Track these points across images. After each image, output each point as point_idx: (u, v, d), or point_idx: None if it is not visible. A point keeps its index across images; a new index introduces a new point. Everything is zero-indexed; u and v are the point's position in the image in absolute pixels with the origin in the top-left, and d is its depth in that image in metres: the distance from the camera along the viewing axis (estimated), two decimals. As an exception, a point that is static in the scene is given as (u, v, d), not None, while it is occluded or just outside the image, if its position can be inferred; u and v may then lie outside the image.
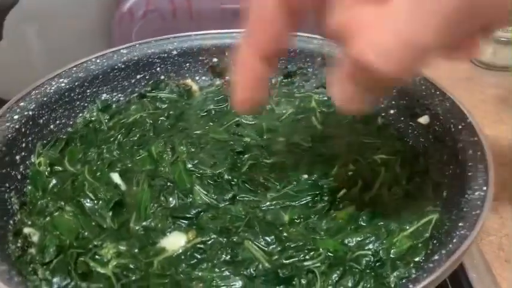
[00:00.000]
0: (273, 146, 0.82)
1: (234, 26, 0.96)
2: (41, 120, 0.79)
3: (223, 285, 0.58)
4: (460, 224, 0.57)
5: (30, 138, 0.77)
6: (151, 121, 0.87)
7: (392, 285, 0.58)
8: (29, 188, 0.72)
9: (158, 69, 0.96)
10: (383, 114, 0.89)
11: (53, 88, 0.82)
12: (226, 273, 0.60)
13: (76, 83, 0.86)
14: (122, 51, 0.92)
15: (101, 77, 0.89)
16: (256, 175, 0.75)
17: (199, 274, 0.60)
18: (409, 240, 0.64)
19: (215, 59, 0.99)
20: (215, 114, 0.91)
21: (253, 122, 0.88)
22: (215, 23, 1.09)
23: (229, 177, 0.74)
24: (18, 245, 0.61)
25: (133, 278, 0.60)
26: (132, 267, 0.61)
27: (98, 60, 0.90)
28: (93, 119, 0.87)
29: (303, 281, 0.58)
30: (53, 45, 1.13)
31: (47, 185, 0.73)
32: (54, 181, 0.74)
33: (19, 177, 0.72)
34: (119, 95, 0.93)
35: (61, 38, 1.17)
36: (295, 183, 0.74)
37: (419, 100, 0.82)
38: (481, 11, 0.38)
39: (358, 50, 0.39)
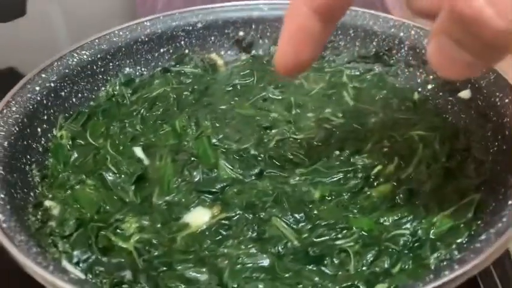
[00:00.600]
0: (302, 122, 0.78)
1: (262, -2, 0.92)
2: (63, 93, 0.78)
3: (250, 263, 0.55)
4: (510, 202, 0.52)
5: (51, 111, 0.75)
6: (175, 96, 0.84)
7: (432, 267, 0.53)
8: (51, 161, 0.70)
9: (182, 42, 0.93)
10: (419, 89, 0.84)
11: (75, 60, 0.80)
12: (253, 250, 0.56)
13: (98, 56, 0.83)
14: (145, 23, 0.89)
15: (123, 49, 0.87)
16: (283, 151, 0.72)
17: (225, 251, 0.57)
18: (450, 220, 0.59)
19: (241, 33, 0.95)
20: (241, 89, 0.87)
21: (280, 97, 0.84)
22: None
23: (256, 153, 0.71)
24: (38, 217, 0.59)
25: (156, 253, 0.57)
26: (154, 242, 0.58)
27: (121, 33, 0.87)
28: (115, 93, 0.85)
29: (335, 261, 0.55)
30: (75, 21, 1.11)
31: (68, 158, 0.71)
32: (75, 154, 0.72)
33: (40, 149, 0.70)
34: (142, 69, 0.90)
35: (84, 15, 1.15)
36: (325, 159, 0.69)
37: (460, 73, 0.76)
38: None
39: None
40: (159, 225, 0.61)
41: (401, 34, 0.86)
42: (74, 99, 0.79)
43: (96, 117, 0.80)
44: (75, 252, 0.56)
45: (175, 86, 0.87)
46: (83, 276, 0.53)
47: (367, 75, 0.89)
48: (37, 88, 0.73)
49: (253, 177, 0.67)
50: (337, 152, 0.70)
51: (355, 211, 0.61)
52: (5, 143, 0.63)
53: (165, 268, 0.55)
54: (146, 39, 0.89)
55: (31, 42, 1.05)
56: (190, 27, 0.92)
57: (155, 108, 0.82)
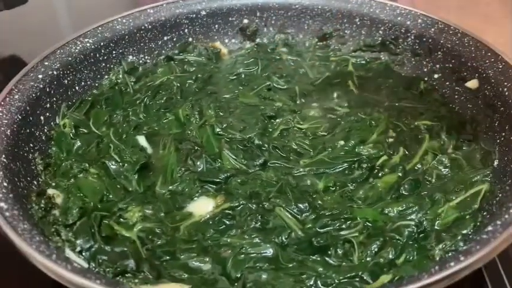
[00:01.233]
0: (306, 111, 0.77)
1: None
2: (66, 81, 0.77)
3: (253, 253, 0.55)
4: (517, 194, 0.51)
5: (54, 99, 0.74)
6: (178, 84, 0.83)
7: (437, 258, 0.53)
8: (54, 149, 0.70)
9: (186, 30, 0.92)
10: (426, 78, 0.83)
11: (78, 48, 0.79)
12: (257, 240, 0.56)
13: (101, 43, 0.82)
14: (148, 10, 0.88)
15: (127, 37, 0.86)
16: (288, 141, 0.71)
17: (228, 240, 0.57)
18: (456, 211, 0.58)
19: (246, 20, 0.93)
20: (245, 78, 0.87)
21: (285, 87, 0.84)
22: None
23: (260, 143, 0.70)
24: (42, 205, 0.59)
25: (159, 242, 0.57)
26: (157, 231, 0.58)
27: (124, 20, 0.86)
28: (119, 81, 0.84)
29: (339, 251, 0.54)
30: (78, 8, 1.10)
31: (71, 146, 0.71)
32: (78, 143, 0.71)
33: (43, 138, 0.70)
34: (146, 57, 0.89)
35: (87, 2, 1.14)
36: (330, 149, 0.69)
37: (467, 62, 0.75)
38: None
39: None
40: (162, 215, 0.60)
41: (408, 22, 0.85)
42: (77, 87, 0.79)
43: (99, 106, 0.79)
44: (79, 241, 0.56)
45: (178, 75, 0.87)
46: (86, 265, 0.53)
47: (373, 64, 0.88)
48: (40, 76, 0.72)
49: (257, 168, 0.67)
50: (342, 142, 0.70)
51: (360, 202, 0.61)
52: (8, 131, 0.62)
53: (168, 257, 0.55)
54: (149, 27, 0.88)
55: (34, 30, 1.05)
56: (194, 15, 0.91)
57: (158, 97, 0.81)
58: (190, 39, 0.92)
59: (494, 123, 0.68)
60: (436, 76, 0.82)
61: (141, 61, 0.89)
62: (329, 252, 0.54)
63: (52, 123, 0.72)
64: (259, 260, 0.54)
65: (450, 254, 0.52)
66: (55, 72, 0.74)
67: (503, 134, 0.65)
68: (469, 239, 0.53)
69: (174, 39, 0.91)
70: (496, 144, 0.65)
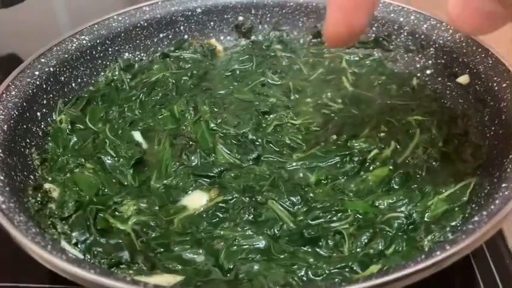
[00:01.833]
0: (300, 107, 0.78)
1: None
2: (62, 78, 0.78)
3: (246, 245, 0.56)
4: (504, 185, 0.52)
5: (51, 95, 0.75)
6: (174, 80, 0.84)
7: (426, 249, 0.54)
8: (50, 144, 0.71)
9: (181, 28, 0.93)
10: (418, 74, 0.84)
11: (74, 45, 0.80)
12: (249, 232, 0.57)
13: (98, 41, 0.83)
14: (144, 8, 0.89)
15: (123, 35, 0.87)
16: (281, 136, 0.72)
17: (221, 233, 0.58)
18: (445, 203, 0.59)
19: (241, 18, 0.94)
20: (240, 74, 0.88)
21: (279, 82, 0.85)
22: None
23: (254, 137, 0.71)
24: (38, 199, 0.60)
25: (153, 235, 0.58)
26: (152, 224, 0.59)
27: (120, 18, 0.87)
28: (115, 78, 0.85)
29: (330, 242, 0.55)
30: (76, 6, 1.11)
31: (67, 142, 0.72)
32: (75, 138, 0.72)
33: (40, 133, 0.71)
34: (142, 54, 0.90)
35: (84, 0, 1.15)
36: (322, 144, 0.70)
37: (459, 58, 0.76)
38: None
39: None
40: (156, 208, 0.61)
41: (401, 19, 0.86)
42: (73, 84, 0.80)
43: (95, 102, 0.80)
44: (74, 234, 0.57)
45: (174, 71, 0.87)
46: (81, 257, 0.54)
47: (366, 61, 0.89)
48: (36, 73, 0.73)
49: (251, 162, 0.68)
50: (334, 137, 0.71)
51: (351, 194, 0.62)
52: (5, 127, 0.63)
53: (162, 249, 0.56)
54: (145, 24, 0.89)
55: (32, 29, 1.05)
56: (190, 13, 0.92)
57: (154, 93, 0.82)
58: (185, 36, 0.93)
59: (485, 117, 0.69)
60: (428, 72, 0.83)
61: (137, 58, 0.90)
62: (320, 243, 0.55)
63: (49, 119, 0.73)
64: (252, 251, 0.55)
65: (438, 245, 0.53)
66: (51, 69, 0.75)
67: (493, 128, 0.66)
68: (457, 231, 0.54)
69: (170, 36, 0.92)
70: (486, 139, 0.66)
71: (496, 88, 0.67)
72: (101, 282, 0.43)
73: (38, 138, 0.70)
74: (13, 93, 0.68)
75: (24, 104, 0.69)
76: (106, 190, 0.64)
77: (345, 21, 0.43)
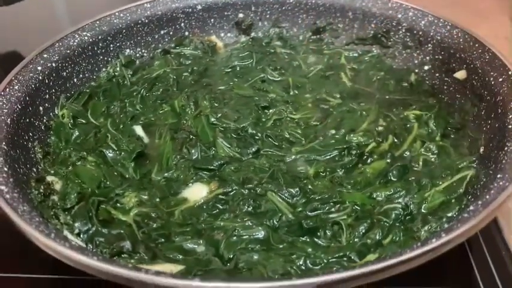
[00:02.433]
0: (299, 102, 0.79)
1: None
2: (65, 73, 0.79)
3: (246, 235, 0.57)
4: (499, 176, 0.53)
5: (53, 90, 0.76)
6: (174, 76, 0.85)
7: (422, 239, 0.54)
8: (52, 138, 0.72)
9: (182, 24, 0.94)
10: (416, 70, 0.85)
11: (76, 41, 0.81)
12: (249, 223, 0.58)
13: (99, 37, 0.84)
14: (145, 5, 0.90)
15: (124, 31, 0.88)
16: (281, 130, 0.73)
17: (221, 224, 0.58)
18: (442, 195, 0.60)
19: (241, 15, 0.95)
20: (240, 70, 0.89)
21: (279, 78, 0.85)
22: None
23: (253, 132, 0.72)
24: (41, 191, 0.61)
25: (155, 226, 0.59)
26: (153, 215, 0.60)
27: (122, 14, 0.88)
28: (116, 73, 0.86)
29: (328, 233, 0.56)
30: (77, 4, 1.12)
31: (69, 136, 0.73)
32: (77, 133, 0.73)
33: (43, 127, 0.72)
34: (143, 51, 0.91)
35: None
36: (321, 138, 0.71)
37: (456, 54, 0.77)
38: None
39: None
40: (157, 200, 0.62)
41: (399, 16, 0.87)
42: (75, 80, 0.81)
43: (97, 97, 0.81)
44: (77, 224, 0.58)
45: (175, 67, 0.88)
46: (84, 246, 0.55)
47: (365, 57, 0.90)
48: (39, 68, 0.74)
49: (251, 156, 0.69)
50: (333, 131, 0.71)
51: (349, 186, 0.63)
52: (8, 120, 0.64)
53: (163, 240, 0.57)
54: (146, 21, 0.90)
55: (33, 26, 1.06)
56: (190, 9, 0.93)
57: (155, 89, 0.83)
58: (186, 33, 0.94)
59: (481, 111, 0.69)
60: (426, 68, 0.84)
61: (138, 54, 0.91)
62: (318, 233, 0.56)
63: (51, 113, 0.74)
64: (251, 241, 0.56)
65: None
66: (54, 65, 0.76)
67: (489, 121, 0.67)
68: (453, 221, 0.55)
69: (171, 33, 0.93)
70: (483, 132, 0.67)
71: (493, 83, 0.68)
72: (105, 269, 0.43)
73: (41, 132, 0.71)
74: (16, 87, 0.69)
75: (27, 98, 0.70)
76: (108, 182, 0.65)
77: None
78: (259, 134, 0.72)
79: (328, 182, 0.63)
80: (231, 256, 0.54)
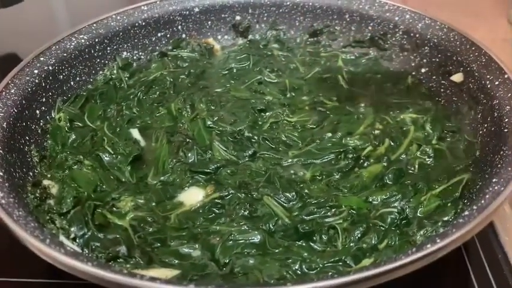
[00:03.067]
0: (296, 104, 0.79)
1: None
2: (61, 76, 0.79)
3: (242, 239, 0.57)
4: (494, 180, 0.53)
5: (50, 94, 0.76)
6: (171, 79, 0.85)
7: (418, 243, 0.54)
8: (49, 142, 0.72)
9: (179, 27, 0.94)
10: (413, 73, 0.85)
11: (73, 44, 0.81)
12: (245, 227, 0.58)
13: (96, 40, 0.84)
14: (142, 7, 0.90)
15: (121, 34, 0.88)
16: (277, 133, 0.73)
17: (217, 228, 0.58)
18: (438, 199, 0.60)
19: (238, 17, 0.95)
20: (237, 72, 0.89)
21: (276, 81, 0.85)
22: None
23: (250, 135, 0.72)
24: (37, 195, 0.61)
25: (150, 230, 0.59)
26: (149, 220, 0.60)
27: (119, 17, 0.88)
28: (113, 76, 0.86)
29: (324, 237, 0.56)
30: (75, 7, 1.12)
31: (66, 139, 0.73)
32: (73, 136, 0.73)
33: (39, 131, 0.72)
34: (140, 53, 0.91)
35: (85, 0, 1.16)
36: (318, 141, 0.71)
37: (453, 57, 0.77)
38: None
39: None
40: (153, 204, 0.62)
41: (396, 18, 0.87)
42: (72, 83, 0.81)
43: (93, 100, 0.81)
44: (72, 229, 0.58)
45: (172, 70, 0.88)
46: (79, 251, 0.55)
47: (362, 59, 0.90)
48: (36, 71, 0.74)
49: (247, 159, 0.69)
50: (330, 134, 0.72)
51: (345, 190, 0.63)
52: (4, 124, 0.64)
53: (159, 244, 0.57)
54: (143, 23, 0.90)
55: (31, 29, 1.06)
56: (187, 12, 0.93)
57: (152, 92, 0.83)
58: (183, 35, 0.94)
59: (478, 115, 0.70)
60: (423, 70, 0.84)
61: (135, 57, 0.91)
62: (314, 238, 0.56)
63: (47, 117, 0.74)
64: (247, 246, 0.56)
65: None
66: (50, 68, 0.76)
67: (486, 125, 0.67)
68: (449, 225, 0.55)
69: (168, 35, 0.93)
70: (479, 135, 0.67)
71: (489, 86, 0.68)
72: (99, 275, 0.43)
73: (37, 136, 0.71)
74: (12, 91, 0.69)
75: (24, 102, 0.70)
76: (104, 186, 0.65)
77: None
78: (256, 137, 0.72)
79: (325, 186, 0.63)
80: (227, 261, 0.54)
